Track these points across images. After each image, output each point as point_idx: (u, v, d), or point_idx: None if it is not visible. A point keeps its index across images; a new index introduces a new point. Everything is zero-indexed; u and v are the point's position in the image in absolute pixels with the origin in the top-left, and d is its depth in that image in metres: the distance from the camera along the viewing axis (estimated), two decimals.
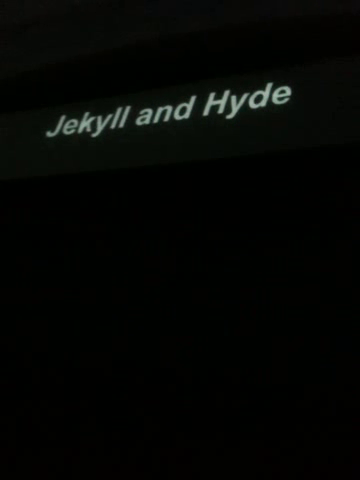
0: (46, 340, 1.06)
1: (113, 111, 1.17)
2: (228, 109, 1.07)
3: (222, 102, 1.08)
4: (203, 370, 0.95)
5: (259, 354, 0.93)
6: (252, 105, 1.06)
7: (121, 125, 1.15)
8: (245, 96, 1.07)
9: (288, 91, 1.04)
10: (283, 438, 0.88)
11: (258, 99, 1.06)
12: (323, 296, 0.91)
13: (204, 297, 0.98)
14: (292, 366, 0.91)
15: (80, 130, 1.18)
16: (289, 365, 0.91)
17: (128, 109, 1.16)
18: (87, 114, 1.19)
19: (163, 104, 1.13)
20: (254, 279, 0.96)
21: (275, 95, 1.05)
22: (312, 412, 0.88)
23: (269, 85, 1.06)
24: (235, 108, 1.07)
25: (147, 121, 1.13)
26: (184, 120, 1.10)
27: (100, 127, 1.17)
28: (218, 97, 1.09)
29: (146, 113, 1.14)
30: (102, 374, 1.00)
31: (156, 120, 1.12)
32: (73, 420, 0.99)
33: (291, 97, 1.03)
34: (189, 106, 1.11)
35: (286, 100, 1.03)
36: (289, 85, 1.04)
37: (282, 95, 1.04)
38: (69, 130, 1.19)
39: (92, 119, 1.18)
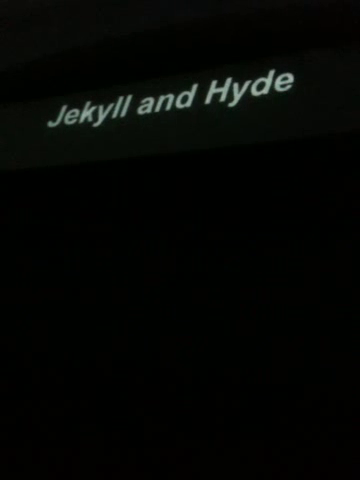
0: (46, 340, 1.06)
1: (115, 101, 1.16)
2: (230, 97, 1.06)
3: (224, 90, 1.07)
4: (203, 370, 0.95)
5: (259, 354, 0.93)
6: (254, 93, 1.05)
7: (122, 115, 1.14)
8: (247, 84, 1.05)
9: (291, 78, 1.02)
10: (283, 438, 0.88)
11: (260, 87, 1.04)
12: (323, 296, 0.91)
13: (204, 295, 0.98)
14: (292, 366, 0.91)
15: (81, 120, 1.17)
16: (289, 365, 0.91)
17: (129, 99, 1.14)
18: (88, 104, 1.18)
19: (165, 93, 1.11)
20: (254, 278, 0.96)
21: (277, 82, 1.03)
22: (312, 412, 0.88)
23: (271, 72, 1.04)
24: (237, 96, 1.06)
25: (148, 110, 1.12)
26: (186, 109, 1.09)
27: (101, 117, 1.16)
28: (220, 85, 1.07)
29: (148, 102, 1.13)
30: (102, 374, 1.00)
31: (158, 109, 1.11)
32: (73, 420, 1.00)
33: (294, 84, 1.01)
34: (191, 95, 1.09)
35: (289, 87, 1.02)
36: (291, 72, 1.02)
37: (284, 82, 1.03)
38: (70, 120, 1.18)
39: (93, 109, 1.17)
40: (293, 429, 0.88)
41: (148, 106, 1.13)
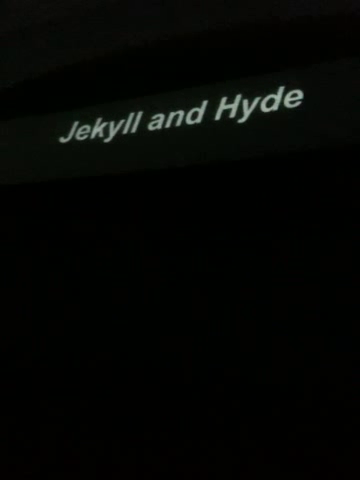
0: (46, 340, 1.06)
1: (125, 116, 1.17)
2: (240, 113, 1.06)
3: (234, 106, 1.07)
4: (203, 370, 0.95)
5: (259, 354, 0.92)
6: (264, 109, 1.05)
7: (133, 130, 1.15)
8: (257, 100, 1.06)
9: (300, 94, 1.03)
10: (283, 438, 0.88)
11: (270, 103, 1.05)
12: (323, 296, 0.91)
13: (204, 297, 0.98)
14: (292, 366, 0.90)
15: (92, 135, 1.18)
16: (289, 365, 0.90)
17: (140, 114, 1.15)
18: (99, 120, 1.19)
19: (174, 109, 1.12)
20: (255, 279, 0.96)
21: (287, 98, 1.04)
22: (312, 412, 0.88)
23: (281, 88, 1.05)
24: (247, 112, 1.06)
25: (159, 125, 1.13)
26: (195, 124, 1.09)
27: (112, 132, 1.16)
28: (230, 101, 1.08)
29: (158, 117, 1.14)
30: (102, 374, 1.00)
31: (168, 124, 1.12)
32: (73, 420, 0.99)
33: (303, 100, 1.02)
34: (200, 111, 1.10)
35: (298, 103, 1.02)
36: (300, 87, 1.02)
37: (294, 98, 1.03)
38: (81, 135, 1.19)
39: (104, 124, 1.18)
40: (293, 429, 0.87)
41: (158, 122, 1.13)
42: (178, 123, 1.11)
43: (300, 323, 0.90)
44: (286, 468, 0.86)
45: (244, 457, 0.88)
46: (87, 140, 1.19)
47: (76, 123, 1.21)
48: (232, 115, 1.07)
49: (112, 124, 1.17)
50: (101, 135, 1.17)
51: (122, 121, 1.16)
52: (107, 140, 1.17)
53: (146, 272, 1.03)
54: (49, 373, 1.02)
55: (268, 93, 1.05)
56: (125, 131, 1.16)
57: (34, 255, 1.13)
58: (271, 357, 0.91)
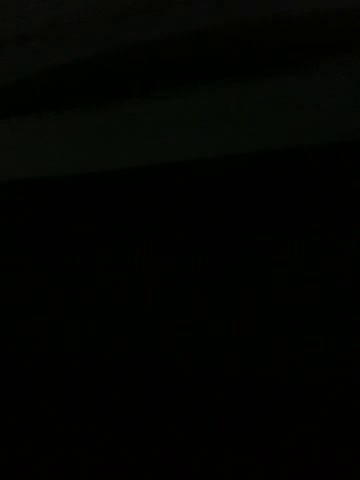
0: (46, 340, 1.06)
1: (115, 112, 1.16)
2: (232, 107, 1.06)
3: (226, 101, 1.07)
4: (203, 370, 0.95)
5: (259, 354, 0.93)
6: (258, 104, 1.06)
7: (124, 126, 1.14)
8: (251, 95, 1.06)
9: (293, 87, 1.03)
10: (283, 438, 0.89)
11: (262, 95, 1.05)
12: (323, 296, 0.92)
13: (204, 297, 0.98)
14: (292, 366, 0.91)
15: (82, 131, 1.17)
16: (289, 365, 0.91)
17: (129, 110, 1.15)
18: (90, 116, 1.18)
19: (166, 103, 1.11)
20: (254, 278, 0.97)
21: (282, 93, 1.04)
22: (312, 412, 0.89)
23: (275, 83, 1.05)
24: (239, 107, 1.06)
25: (149, 122, 1.12)
26: (187, 118, 1.09)
27: (104, 128, 1.16)
28: (223, 96, 1.08)
29: (147, 114, 1.13)
30: (102, 374, 1.00)
31: (158, 120, 1.12)
32: (73, 420, 0.99)
33: (296, 93, 1.02)
34: (192, 104, 1.09)
35: (291, 96, 1.02)
36: (294, 81, 1.03)
37: (287, 91, 1.03)
38: (72, 132, 1.18)
39: (96, 121, 1.17)
40: (293, 429, 0.89)
41: (148, 118, 1.13)
42: (168, 119, 1.10)
43: (300, 323, 0.91)
44: (286, 468, 0.87)
45: (244, 457, 0.89)
46: (76, 136, 1.17)
47: (75, 120, 1.19)
48: (224, 110, 1.06)
49: (103, 120, 1.16)
50: (100, 132, 1.16)
51: (121, 118, 1.15)
52: (98, 136, 1.15)
53: (146, 270, 1.04)
54: (49, 373, 1.03)
55: (263, 88, 1.05)
56: (116, 126, 1.15)
57: (34, 253, 1.12)
58: (271, 357, 0.92)
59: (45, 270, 1.13)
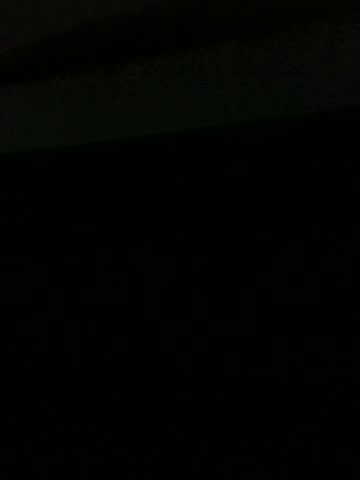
0: (46, 340, 1.06)
1: (123, 81, 1.11)
2: (229, 76, 1.02)
3: (222, 69, 1.02)
4: (203, 370, 0.95)
5: (259, 354, 0.92)
6: (254, 71, 1.00)
7: (121, 95, 1.09)
8: (246, 61, 1.01)
9: (290, 55, 0.97)
10: (283, 437, 0.88)
11: (261, 64, 1.00)
12: (323, 296, 0.91)
13: (204, 294, 0.98)
14: (292, 366, 0.90)
15: (80, 100, 1.12)
16: (289, 365, 0.90)
17: (128, 78, 1.10)
18: (86, 86, 1.13)
19: (162, 72, 1.08)
20: (254, 276, 0.96)
21: (277, 59, 0.98)
22: (312, 412, 0.88)
23: (270, 49, 1.00)
24: (236, 74, 1.02)
25: (145, 91, 1.08)
26: (186, 86, 1.04)
27: (100, 98, 1.11)
28: (219, 64, 1.03)
29: (144, 83, 1.08)
30: (102, 374, 1.00)
31: (155, 90, 1.07)
32: (73, 420, 0.99)
33: (292, 61, 0.97)
34: (192, 72, 1.05)
35: (288, 65, 0.97)
36: (291, 48, 0.98)
37: (284, 59, 0.98)
38: (68, 101, 1.13)
39: (90, 91, 1.12)
40: (293, 429, 0.88)
41: (145, 87, 1.08)
42: (167, 86, 1.07)
43: (300, 323, 0.90)
44: (286, 468, 0.86)
45: (244, 457, 0.89)
46: (72, 105, 1.13)
47: (72, 89, 1.15)
48: (222, 77, 1.02)
49: (99, 90, 1.12)
50: (87, 102, 1.11)
51: (120, 86, 1.10)
52: (94, 107, 1.11)
53: (146, 269, 1.03)
54: (49, 373, 1.03)
55: (258, 55, 1.00)
56: (113, 95, 1.10)
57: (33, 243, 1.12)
58: (271, 357, 0.91)
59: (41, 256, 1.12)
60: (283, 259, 0.94)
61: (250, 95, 0.99)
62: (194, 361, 0.95)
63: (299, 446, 0.86)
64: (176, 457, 0.91)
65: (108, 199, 1.09)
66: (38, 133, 1.15)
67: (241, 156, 1.00)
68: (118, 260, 1.05)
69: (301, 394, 0.88)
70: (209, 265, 0.99)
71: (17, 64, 1.17)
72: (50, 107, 1.15)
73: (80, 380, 1.00)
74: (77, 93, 1.14)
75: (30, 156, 1.13)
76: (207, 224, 1.00)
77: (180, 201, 1.03)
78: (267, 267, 0.94)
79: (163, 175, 1.05)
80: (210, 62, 1.03)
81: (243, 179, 1.00)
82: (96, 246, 1.07)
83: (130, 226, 1.06)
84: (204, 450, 0.91)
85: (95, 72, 1.13)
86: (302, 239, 0.93)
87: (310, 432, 0.86)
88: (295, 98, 0.94)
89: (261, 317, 0.92)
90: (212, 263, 0.98)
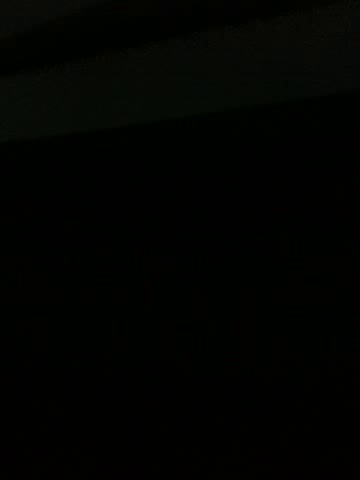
0: (46, 340, 1.06)
1: (112, 67, 1.09)
2: (227, 59, 0.99)
3: (220, 53, 1.00)
4: (203, 370, 0.95)
5: (259, 354, 0.92)
6: (253, 55, 0.98)
7: (119, 80, 1.07)
8: (246, 45, 0.99)
9: (289, 37, 0.95)
10: (283, 437, 0.88)
11: (259, 47, 0.97)
12: (323, 295, 0.91)
13: (204, 294, 0.98)
14: (292, 366, 0.90)
15: (79, 87, 1.10)
16: (289, 365, 0.90)
17: (126, 63, 1.09)
18: (86, 72, 1.11)
19: (163, 56, 1.06)
20: (253, 275, 0.96)
21: (276, 44, 0.96)
22: (312, 412, 0.88)
23: (271, 32, 0.98)
24: (235, 58, 0.99)
25: (145, 75, 1.05)
26: (183, 72, 1.02)
27: (99, 84, 1.09)
28: (219, 50, 1.01)
29: (145, 66, 1.06)
30: (102, 374, 1.01)
31: (155, 74, 1.05)
32: (73, 420, 1.00)
33: (293, 46, 0.95)
34: (190, 57, 1.03)
35: (289, 49, 0.95)
36: (289, 32, 0.96)
37: (285, 44, 0.96)
38: (68, 88, 1.11)
39: (91, 76, 1.10)
40: (293, 428, 0.88)
41: (145, 70, 1.06)
42: (165, 71, 1.04)
43: (300, 323, 0.90)
44: (286, 468, 0.87)
45: (244, 457, 0.89)
46: (71, 92, 1.11)
47: (75, 75, 1.13)
48: (218, 62, 1.00)
49: (97, 76, 1.09)
50: (100, 87, 1.09)
51: (121, 70, 1.08)
52: (93, 93, 1.09)
53: (145, 267, 1.03)
54: (49, 373, 1.03)
55: (257, 38, 0.98)
56: (124, 82, 1.08)
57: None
58: (271, 357, 0.91)
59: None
60: (283, 259, 0.93)
61: (251, 81, 0.97)
62: (194, 361, 0.95)
63: (299, 446, 0.86)
64: (176, 457, 0.91)
65: (107, 190, 1.09)
66: (35, 122, 1.13)
67: (243, 143, 0.98)
68: (117, 252, 1.05)
69: (301, 394, 0.88)
70: (209, 265, 0.99)
71: (13, 52, 1.15)
72: (49, 95, 1.13)
73: (80, 380, 1.00)
74: (75, 80, 1.12)
75: (26, 146, 1.11)
76: (207, 221, 1.00)
77: (180, 191, 1.02)
78: (267, 267, 0.94)
79: (163, 163, 1.04)
80: (210, 47, 1.01)
81: (245, 166, 0.99)
82: (95, 244, 1.07)
83: (129, 219, 1.06)
84: (204, 450, 0.91)
85: (93, 59, 1.11)
86: (302, 238, 0.93)
87: (310, 432, 0.86)
88: (296, 83, 0.93)
89: (261, 317, 0.92)
90: (212, 263, 0.98)
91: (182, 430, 0.93)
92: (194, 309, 0.97)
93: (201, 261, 0.99)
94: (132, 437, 0.95)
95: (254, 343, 0.92)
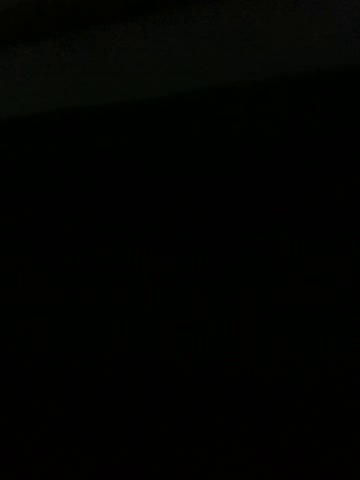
0: (46, 340, 1.06)
1: (109, 41, 1.08)
2: (224, 33, 0.98)
3: (220, 28, 0.98)
4: (203, 370, 0.95)
5: (259, 354, 0.92)
6: (249, 28, 0.97)
7: (117, 55, 1.06)
8: (243, 17, 0.97)
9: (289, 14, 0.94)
10: (283, 437, 0.88)
11: (254, 22, 0.96)
12: (323, 295, 0.91)
13: (204, 294, 0.98)
14: (292, 366, 0.90)
15: (75, 61, 1.09)
16: (289, 365, 0.90)
17: (122, 37, 1.07)
18: (83, 45, 1.10)
19: (157, 30, 1.03)
20: (253, 274, 0.95)
21: (274, 18, 0.95)
22: (312, 412, 0.88)
23: (269, 8, 0.96)
24: (234, 32, 0.98)
25: (141, 50, 1.04)
26: (177, 47, 1.01)
27: (95, 58, 1.08)
28: (218, 23, 0.99)
29: (140, 40, 1.05)
30: (102, 374, 1.00)
31: (150, 48, 1.04)
32: (73, 420, 1.00)
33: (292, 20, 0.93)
34: (182, 32, 1.01)
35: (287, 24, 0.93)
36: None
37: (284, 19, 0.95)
38: (62, 62, 1.10)
39: (87, 50, 1.09)
40: (293, 428, 0.88)
41: (140, 45, 1.05)
42: (160, 46, 1.03)
43: (300, 323, 0.90)
44: (286, 468, 0.86)
45: (244, 457, 0.89)
46: (67, 67, 1.10)
47: (66, 48, 1.12)
48: (213, 36, 0.99)
49: (93, 49, 1.09)
50: (83, 61, 1.08)
51: (105, 45, 1.07)
52: (90, 67, 1.08)
53: (145, 266, 1.03)
54: (49, 373, 1.03)
55: (251, 11, 0.97)
56: (110, 55, 1.07)
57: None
58: (271, 357, 0.91)
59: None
60: (283, 259, 0.93)
61: (249, 55, 0.96)
62: (194, 361, 0.95)
63: (299, 446, 0.86)
64: (176, 457, 0.91)
65: (107, 190, 1.08)
66: (30, 97, 1.12)
67: (243, 143, 0.98)
68: (117, 252, 1.05)
69: (301, 394, 0.88)
70: (209, 265, 0.98)
71: (10, 24, 1.14)
72: (45, 68, 1.11)
73: (80, 380, 1.00)
74: (73, 52, 1.11)
75: (19, 121, 1.10)
76: (207, 221, 1.00)
77: (180, 191, 1.02)
78: (267, 267, 0.94)
79: (163, 161, 1.03)
80: (208, 21, 0.99)
81: (244, 166, 0.99)
82: (95, 244, 1.06)
83: (129, 219, 1.05)
84: (204, 450, 0.91)
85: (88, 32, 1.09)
86: (302, 238, 0.92)
87: (310, 432, 0.86)
88: (294, 58, 0.91)
89: (261, 317, 0.92)
90: (212, 263, 0.98)
91: (182, 430, 0.93)
92: (194, 309, 0.97)
93: (201, 261, 0.98)
94: (132, 437, 0.95)
95: (254, 343, 0.92)
